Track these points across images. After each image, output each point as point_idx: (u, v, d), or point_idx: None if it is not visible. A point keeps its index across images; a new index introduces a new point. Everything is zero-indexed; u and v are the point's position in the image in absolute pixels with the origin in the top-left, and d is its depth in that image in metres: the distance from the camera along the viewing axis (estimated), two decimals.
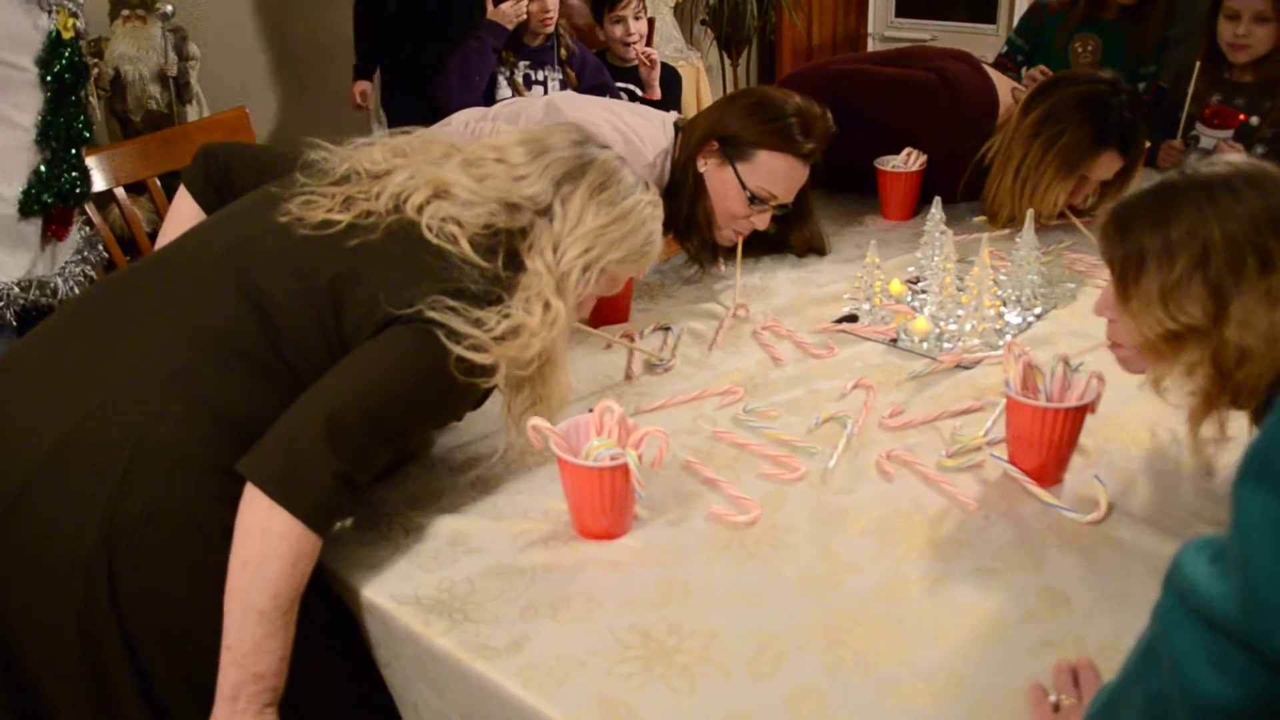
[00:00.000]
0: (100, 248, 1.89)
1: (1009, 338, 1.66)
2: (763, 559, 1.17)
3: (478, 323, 1.14)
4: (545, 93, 2.95)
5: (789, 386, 1.54)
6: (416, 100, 2.78)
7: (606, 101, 2.06)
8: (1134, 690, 0.72)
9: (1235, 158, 1.13)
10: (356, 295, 1.15)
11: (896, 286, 1.78)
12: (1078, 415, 1.24)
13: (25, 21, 1.60)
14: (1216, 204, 1.05)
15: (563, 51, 3.00)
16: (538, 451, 1.24)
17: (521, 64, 2.95)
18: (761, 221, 1.81)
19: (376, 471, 1.14)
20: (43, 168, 1.67)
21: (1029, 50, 2.79)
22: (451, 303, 1.13)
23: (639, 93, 3.17)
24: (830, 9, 4.98)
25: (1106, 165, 1.96)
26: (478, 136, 1.86)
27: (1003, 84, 2.16)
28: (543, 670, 1.02)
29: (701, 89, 4.29)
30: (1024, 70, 2.69)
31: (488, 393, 1.24)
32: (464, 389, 1.15)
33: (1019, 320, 1.73)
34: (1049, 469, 1.27)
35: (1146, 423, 1.40)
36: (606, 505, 1.18)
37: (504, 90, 2.91)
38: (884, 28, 5.08)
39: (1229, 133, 2.32)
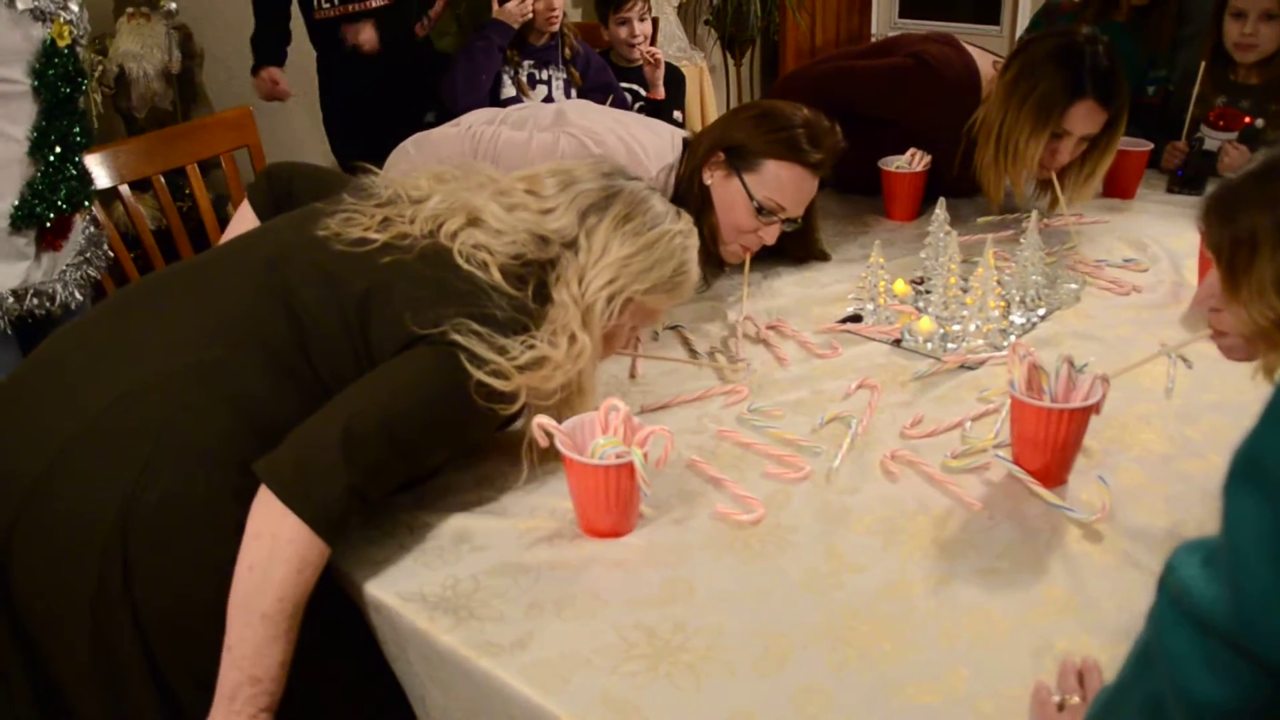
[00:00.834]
0: (105, 247, 1.89)
1: (1013, 338, 1.66)
2: (767, 558, 1.17)
3: (502, 350, 1.15)
4: (549, 92, 2.96)
5: (793, 386, 1.55)
6: (364, 142, 2.36)
7: (616, 113, 2.05)
8: (1131, 693, 0.72)
9: None
10: (384, 310, 1.17)
11: (901, 287, 1.78)
12: (1083, 416, 1.24)
13: (14, 34, 1.58)
14: None
15: (567, 51, 3.00)
16: (555, 461, 1.25)
17: (526, 63, 2.95)
18: (769, 236, 1.78)
19: (390, 487, 1.16)
20: (38, 179, 1.65)
21: None
22: (477, 327, 1.15)
23: (643, 93, 3.17)
24: (834, 9, 4.97)
25: (1085, 118, 1.90)
26: (479, 141, 1.86)
27: (984, 59, 2.14)
28: (547, 668, 1.02)
29: (705, 89, 4.29)
30: None
31: (511, 419, 1.25)
32: (484, 413, 1.16)
33: (1023, 321, 1.73)
34: (1054, 470, 1.27)
35: (1151, 424, 1.40)
36: (612, 503, 1.18)
37: (508, 89, 2.92)
38: (888, 28, 5.07)
39: (1234, 135, 2.31)
